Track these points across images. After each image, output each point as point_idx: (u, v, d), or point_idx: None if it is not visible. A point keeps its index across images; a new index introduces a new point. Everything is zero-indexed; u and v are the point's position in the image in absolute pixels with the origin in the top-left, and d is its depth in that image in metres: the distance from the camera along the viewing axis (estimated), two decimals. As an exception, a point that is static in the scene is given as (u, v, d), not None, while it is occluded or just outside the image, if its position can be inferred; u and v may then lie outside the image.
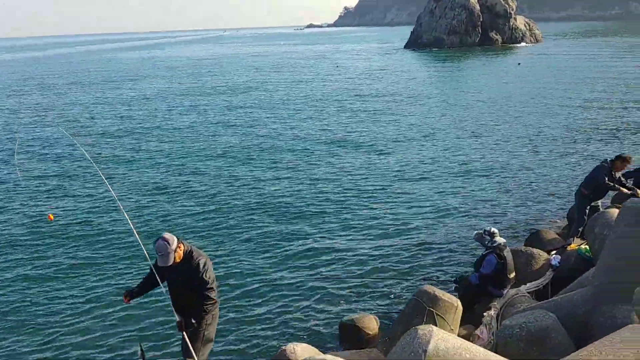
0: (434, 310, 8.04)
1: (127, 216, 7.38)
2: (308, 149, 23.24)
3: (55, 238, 13.57)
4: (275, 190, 17.61)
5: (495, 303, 9.02)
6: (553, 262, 10.20)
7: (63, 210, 15.19)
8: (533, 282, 9.68)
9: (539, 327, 6.34)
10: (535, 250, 10.60)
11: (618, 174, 11.58)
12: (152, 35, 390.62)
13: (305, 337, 9.52)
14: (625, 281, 5.92)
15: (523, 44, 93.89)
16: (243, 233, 14.05)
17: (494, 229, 9.25)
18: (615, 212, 8.88)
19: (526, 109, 32.43)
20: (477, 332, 8.22)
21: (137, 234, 7.17)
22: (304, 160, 21.45)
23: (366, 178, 19.03)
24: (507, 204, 16.33)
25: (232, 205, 16.14)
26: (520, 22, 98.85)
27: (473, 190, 17.53)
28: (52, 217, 8.39)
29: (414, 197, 16.75)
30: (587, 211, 11.64)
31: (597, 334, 5.77)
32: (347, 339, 9.12)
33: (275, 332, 9.69)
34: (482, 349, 5.22)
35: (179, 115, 34.03)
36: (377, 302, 10.81)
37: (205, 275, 6.43)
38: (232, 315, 10.28)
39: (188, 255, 6.52)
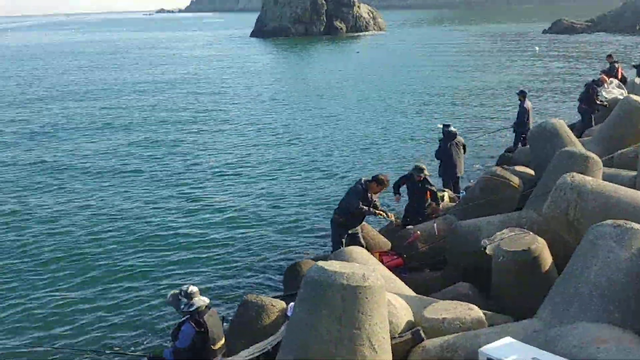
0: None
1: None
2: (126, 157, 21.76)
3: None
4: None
5: None
6: (289, 312, 7.75)
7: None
8: (256, 345, 7.57)
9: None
10: (268, 300, 8.64)
11: (375, 197, 10.52)
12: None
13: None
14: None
15: (367, 32, 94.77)
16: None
17: (192, 288, 7.02)
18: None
19: (349, 100, 33.20)
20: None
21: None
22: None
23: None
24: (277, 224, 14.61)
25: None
26: (364, 10, 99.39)
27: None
28: None
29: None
30: (343, 241, 10.29)
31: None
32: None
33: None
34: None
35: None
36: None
37: None
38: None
39: None
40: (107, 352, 8.75)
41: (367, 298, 5.18)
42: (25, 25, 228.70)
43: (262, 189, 17.46)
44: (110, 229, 14.42)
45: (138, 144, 23.48)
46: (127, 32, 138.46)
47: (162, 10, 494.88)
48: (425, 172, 11.69)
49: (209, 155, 21.52)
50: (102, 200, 16.64)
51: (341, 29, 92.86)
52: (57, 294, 11.17)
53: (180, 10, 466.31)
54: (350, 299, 5.13)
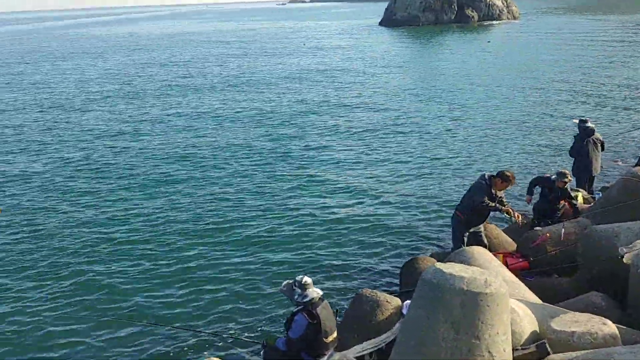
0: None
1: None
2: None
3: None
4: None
5: None
6: (404, 311, 7.44)
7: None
8: (370, 341, 7.31)
9: None
10: (383, 295, 8.42)
11: (500, 193, 9.98)
12: (117, 10, 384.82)
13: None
14: None
15: (500, 21, 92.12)
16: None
17: (306, 279, 7.06)
18: None
19: (476, 91, 32.37)
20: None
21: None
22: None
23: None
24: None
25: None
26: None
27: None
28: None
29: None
30: (465, 239, 9.95)
31: None
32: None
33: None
34: None
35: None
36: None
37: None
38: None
39: None
40: (224, 335, 8.88)
41: (488, 306, 4.80)
42: (165, 14, 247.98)
43: (382, 180, 17.20)
44: (233, 214, 14.72)
45: (264, 133, 23.79)
46: (261, 21, 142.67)
47: (294, 0, 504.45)
48: (569, 177, 11.12)
49: (332, 144, 21.50)
50: (228, 185, 17.06)
51: (472, 17, 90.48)
52: (176, 277, 11.51)
53: (311, 0, 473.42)
54: (470, 306, 4.77)
